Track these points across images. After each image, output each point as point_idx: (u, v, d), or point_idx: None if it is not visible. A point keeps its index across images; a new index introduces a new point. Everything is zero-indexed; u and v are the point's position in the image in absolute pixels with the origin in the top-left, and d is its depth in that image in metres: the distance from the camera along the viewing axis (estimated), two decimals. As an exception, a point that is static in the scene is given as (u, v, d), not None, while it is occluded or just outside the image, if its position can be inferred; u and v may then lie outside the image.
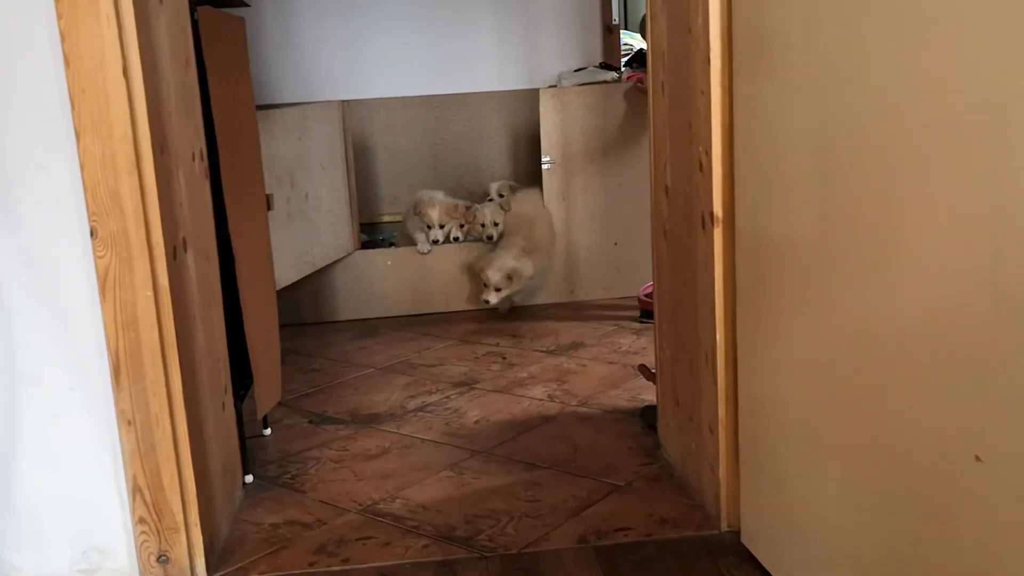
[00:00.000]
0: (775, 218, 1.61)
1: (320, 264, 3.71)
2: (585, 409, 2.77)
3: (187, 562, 1.84)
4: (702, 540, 1.91)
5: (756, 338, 1.74)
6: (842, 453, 1.43)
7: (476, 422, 2.69)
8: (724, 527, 1.93)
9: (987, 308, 1.06)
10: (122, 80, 1.68)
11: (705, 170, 1.84)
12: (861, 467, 1.37)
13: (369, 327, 3.92)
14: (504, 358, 3.34)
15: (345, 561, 1.92)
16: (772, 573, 1.73)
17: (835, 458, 1.45)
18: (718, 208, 1.81)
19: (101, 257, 1.72)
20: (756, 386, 1.76)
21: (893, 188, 1.23)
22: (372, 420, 2.75)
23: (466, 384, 3.05)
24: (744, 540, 1.85)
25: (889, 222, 1.24)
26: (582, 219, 4.05)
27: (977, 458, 1.09)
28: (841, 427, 1.42)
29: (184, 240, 1.88)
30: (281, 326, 2.95)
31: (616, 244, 4.01)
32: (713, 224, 1.83)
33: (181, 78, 1.94)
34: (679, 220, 2.07)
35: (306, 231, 3.53)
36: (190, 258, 1.92)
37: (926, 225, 1.16)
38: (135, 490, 1.79)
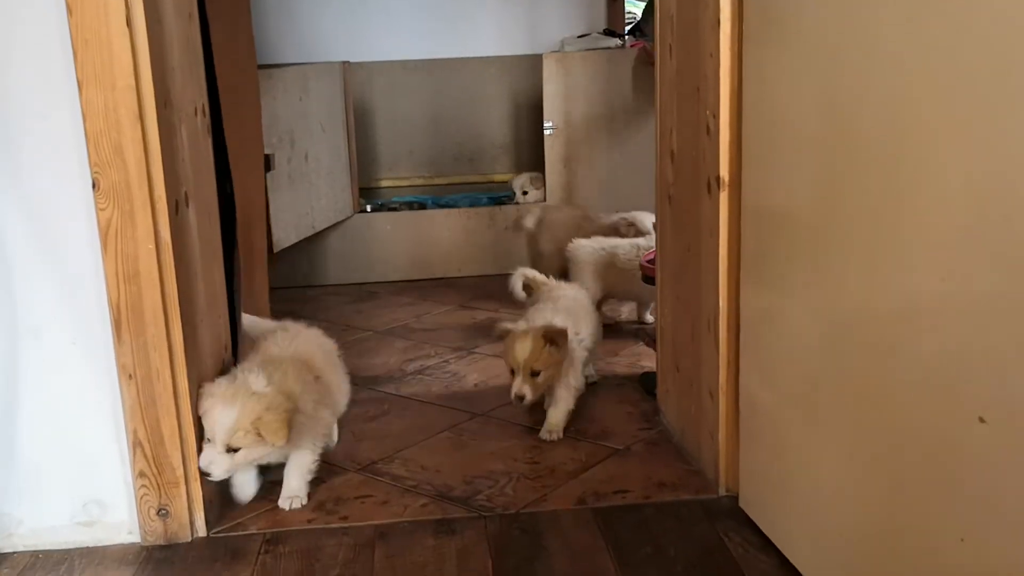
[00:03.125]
0: (781, 185, 1.60)
1: (320, 226, 3.70)
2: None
3: (187, 517, 1.85)
4: (700, 504, 1.92)
5: (759, 305, 1.74)
6: (843, 419, 1.43)
7: (475, 385, 2.70)
8: (722, 491, 1.94)
9: (994, 273, 1.06)
10: (125, 31, 1.66)
11: (712, 134, 1.83)
12: (862, 433, 1.38)
13: (367, 291, 3.91)
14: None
15: (344, 519, 1.92)
16: (770, 537, 1.74)
17: (836, 424, 1.45)
18: (724, 172, 1.80)
19: (103, 209, 1.71)
20: (758, 353, 1.76)
21: (902, 156, 1.22)
22: (371, 382, 2.75)
23: (465, 349, 3.05)
24: (742, 504, 1.86)
25: (897, 191, 1.24)
26: (583, 185, 4.03)
27: (981, 419, 1.09)
28: (843, 393, 1.43)
29: (186, 195, 1.87)
30: (278, 289, 2.95)
31: (618, 211, 3.99)
32: (719, 188, 1.82)
33: (184, 31, 1.92)
34: (684, 185, 2.06)
35: (306, 192, 3.52)
36: (192, 213, 1.90)
37: (935, 194, 1.16)
38: (135, 444, 1.79)
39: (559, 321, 2.31)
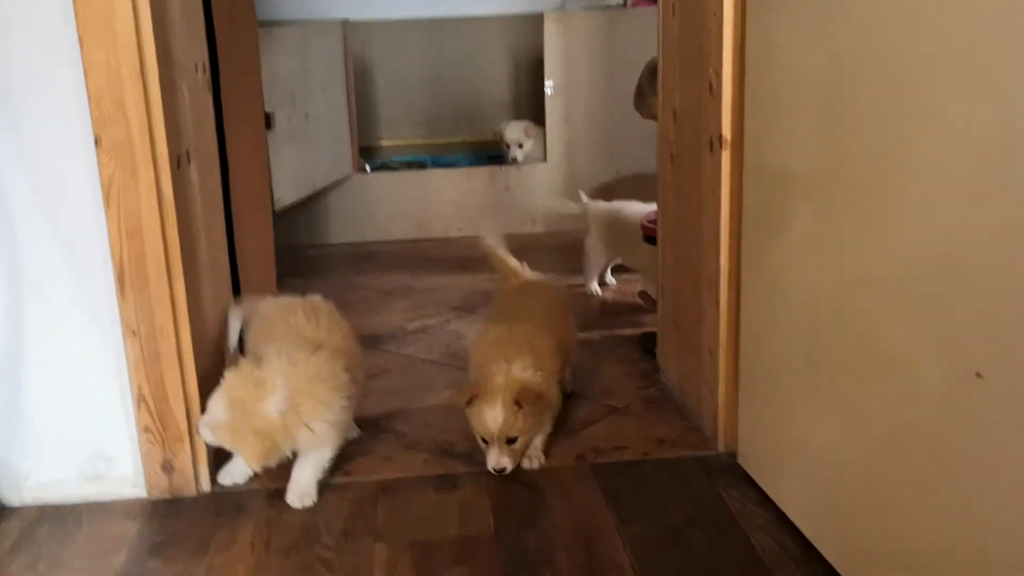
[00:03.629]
0: (784, 144, 1.60)
1: (320, 185, 3.70)
2: (584, 335, 2.78)
3: (191, 471, 1.87)
4: (699, 460, 1.94)
5: (760, 263, 1.75)
6: (842, 377, 1.44)
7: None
8: (721, 448, 1.96)
9: (992, 230, 1.07)
10: (126, -16, 1.65)
11: (715, 92, 1.82)
12: (860, 390, 1.39)
13: (368, 251, 3.92)
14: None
15: (347, 474, 1.94)
16: (768, 493, 1.76)
17: (835, 382, 1.47)
18: (727, 131, 1.80)
19: (105, 166, 1.71)
20: (758, 311, 1.77)
21: (905, 116, 1.22)
22: (373, 341, 2.76)
23: (465, 308, 3.06)
24: (740, 461, 1.88)
25: (900, 150, 1.24)
26: (583, 144, 4.02)
27: (978, 375, 1.10)
28: (842, 352, 1.44)
29: (188, 151, 1.87)
30: (278, 248, 2.95)
31: (618, 172, 3.98)
32: (721, 147, 1.82)
33: (184, -14, 1.91)
34: (686, 144, 2.05)
35: (306, 151, 3.51)
36: (193, 170, 1.90)
37: (937, 152, 1.16)
38: (139, 399, 1.81)
39: (523, 366, 1.94)
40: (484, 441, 1.92)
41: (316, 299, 2.03)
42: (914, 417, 1.25)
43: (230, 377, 1.77)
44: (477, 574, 1.58)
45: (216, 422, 1.75)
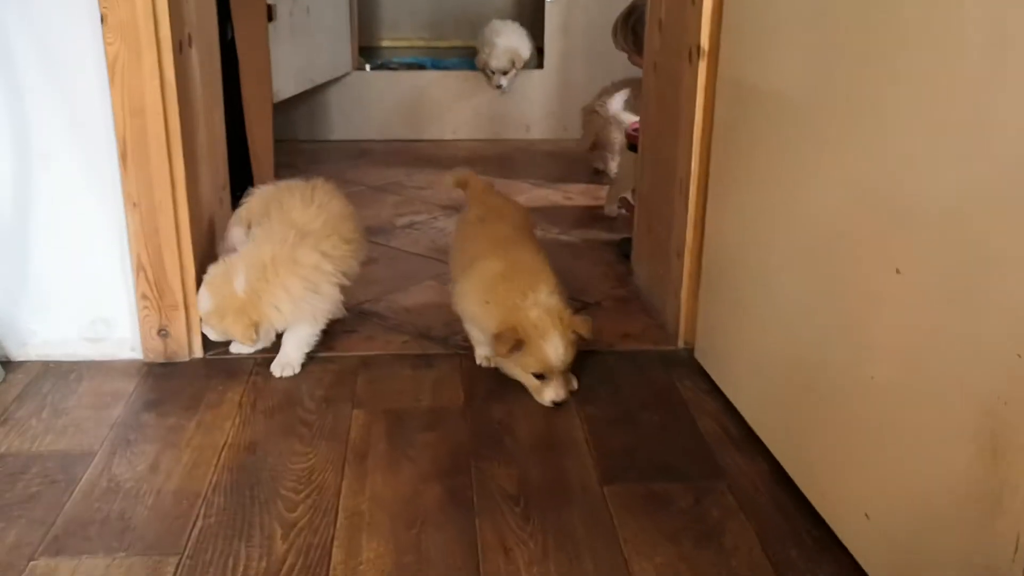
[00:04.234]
0: (755, 58, 1.69)
1: (319, 80, 3.76)
2: (566, 237, 2.91)
3: (185, 338, 2.00)
4: (659, 354, 2.09)
5: (726, 171, 1.85)
6: (787, 278, 1.56)
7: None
8: (681, 344, 2.10)
9: (919, 140, 1.17)
10: None
11: (696, 3, 1.90)
12: (800, 289, 1.51)
13: (363, 148, 4.01)
14: (492, 186, 3.44)
15: (330, 349, 2.08)
16: (718, 383, 1.90)
17: (781, 282, 1.59)
18: (705, 41, 1.89)
19: (111, 44, 1.79)
20: (722, 218, 1.88)
21: (878, 42, 1.31)
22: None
23: (453, 208, 3.16)
24: (697, 356, 2.02)
25: (865, 75, 1.33)
26: (580, 56, 4.07)
27: (897, 271, 1.22)
28: (788, 254, 1.56)
29: (189, 36, 1.95)
30: (276, 141, 3.04)
31: (613, 82, 4.04)
32: (699, 57, 1.90)
33: None
34: (669, 54, 2.14)
35: (307, 46, 3.56)
36: (194, 55, 1.99)
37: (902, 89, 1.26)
38: (139, 268, 1.93)
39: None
40: (538, 376, 1.84)
41: (318, 181, 2.10)
42: (843, 309, 1.38)
43: (210, 269, 1.94)
44: (444, 439, 1.73)
45: (205, 311, 1.93)
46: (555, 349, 1.81)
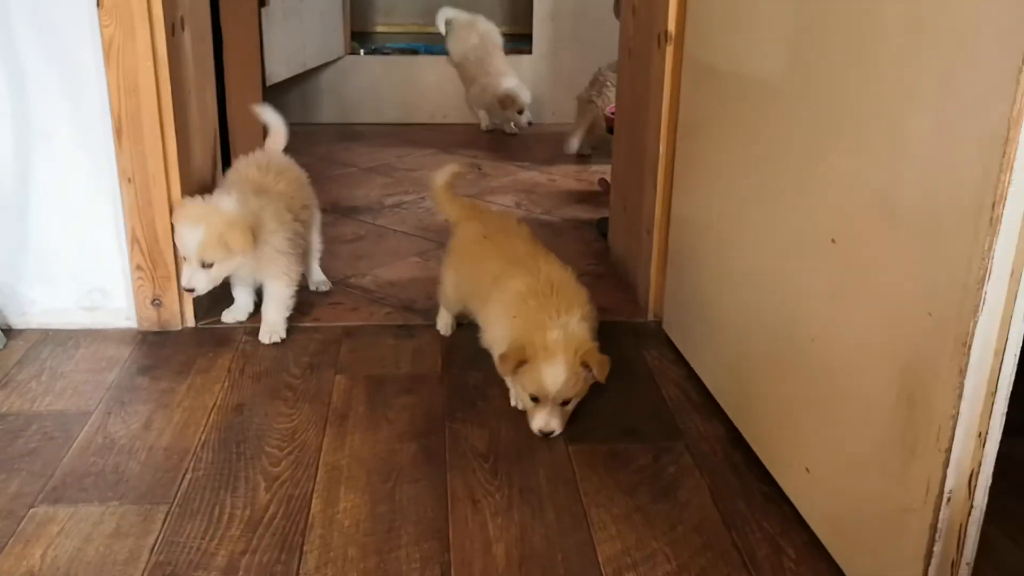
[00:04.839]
0: (717, 42, 1.78)
1: (311, 64, 3.85)
2: (547, 217, 3.01)
3: (178, 308, 2.10)
4: (630, 325, 2.19)
5: (690, 151, 1.94)
6: (742, 252, 1.66)
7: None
8: (650, 317, 2.20)
9: (855, 124, 1.27)
10: None
11: (665, -10, 1.99)
12: (753, 260, 1.61)
13: (354, 131, 4.10)
14: (480, 168, 3.54)
15: (316, 319, 2.19)
16: (682, 352, 2.01)
17: (737, 255, 1.69)
18: (672, 27, 1.98)
19: (107, 26, 1.89)
20: (686, 196, 1.98)
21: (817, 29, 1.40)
22: (351, 211, 2.97)
23: (441, 188, 3.26)
24: (664, 327, 2.13)
25: (815, 60, 1.43)
26: (570, 42, 4.16)
27: (832, 240, 1.32)
28: (744, 233, 1.65)
29: (182, 19, 2.04)
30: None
31: (608, 65, 4.13)
32: (667, 42, 2.00)
33: None
34: (642, 39, 2.23)
35: (299, 30, 3.65)
36: (187, 37, 2.08)
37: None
38: (133, 240, 2.03)
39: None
40: (533, 399, 1.71)
41: (272, 151, 2.24)
42: (788, 275, 1.48)
43: (179, 211, 1.97)
44: (422, 402, 1.83)
45: (197, 243, 1.91)
46: (553, 375, 1.66)
